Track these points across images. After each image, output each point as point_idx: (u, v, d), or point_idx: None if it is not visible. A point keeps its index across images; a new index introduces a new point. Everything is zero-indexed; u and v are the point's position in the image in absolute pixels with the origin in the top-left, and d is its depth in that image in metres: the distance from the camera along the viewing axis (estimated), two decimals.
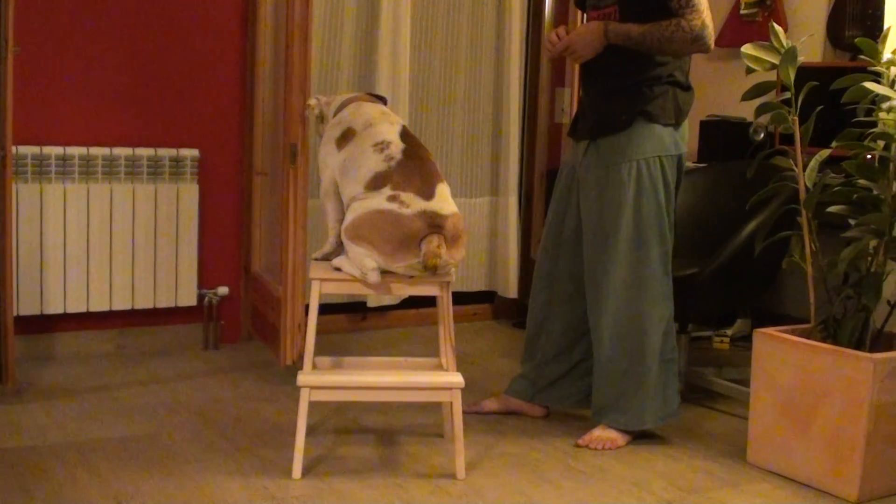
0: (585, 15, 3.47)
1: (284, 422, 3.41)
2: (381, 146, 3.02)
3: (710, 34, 3.15)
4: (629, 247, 3.27)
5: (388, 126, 3.08)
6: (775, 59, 3.11)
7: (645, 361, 3.29)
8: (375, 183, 2.97)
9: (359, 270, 2.96)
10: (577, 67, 4.91)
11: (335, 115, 3.23)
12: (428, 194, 2.94)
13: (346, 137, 3.11)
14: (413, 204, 2.91)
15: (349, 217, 2.99)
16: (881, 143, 3.05)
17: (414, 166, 2.98)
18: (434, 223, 2.91)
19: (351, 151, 3.07)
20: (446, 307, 3.05)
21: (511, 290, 5.18)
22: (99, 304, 4.09)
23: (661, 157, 3.26)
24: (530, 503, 2.86)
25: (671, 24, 3.11)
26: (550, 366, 3.54)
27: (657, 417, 3.34)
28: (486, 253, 5.20)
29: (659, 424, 3.36)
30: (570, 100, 5.10)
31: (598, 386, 3.38)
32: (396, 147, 3.01)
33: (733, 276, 3.71)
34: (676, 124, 3.29)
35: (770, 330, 3.20)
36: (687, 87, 3.32)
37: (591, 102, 3.40)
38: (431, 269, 2.89)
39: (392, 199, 2.93)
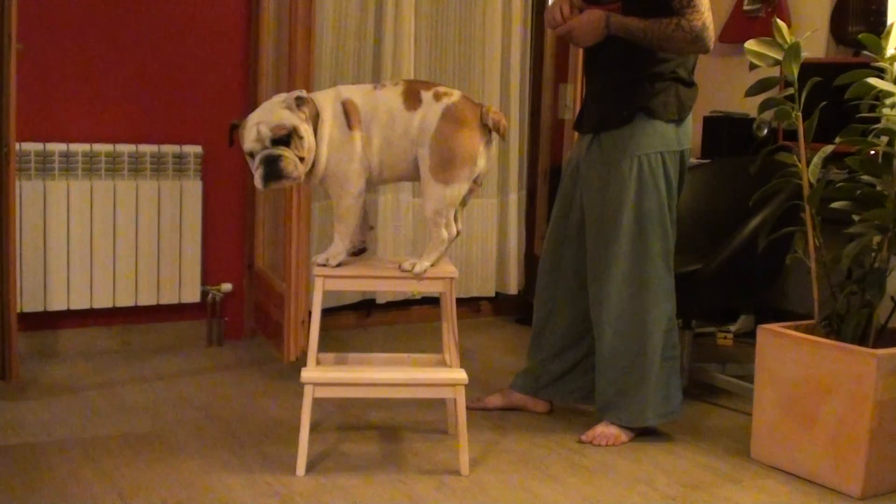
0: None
1: (288, 418, 3.41)
2: (382, 83, 3.09)
3: (711, 35, 3.15)
4: (631, 243, 3.27)
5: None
6: (779, 55, 3.11)
7: (647, 358, 3.29)
8: (411, 99, 3.00)
9: (445, 233, 3.01)
10: (580, 63, 4.90)
11: (317, 116, 3.00)
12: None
13: (350, 113, 2.99)
14: (452, 91, 3.02)
15: (430, 162, 2.96)
16: (885, 139, 3.05)
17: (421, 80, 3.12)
18: (476, 102, 3.03)
19: (367, 114, 2.99)
20: (450, 303, 3.05)
21: (512, 286, 5.18)
22: (102, 301, 4.10)
23: (663, 153, 3.26)
24: (534, 499, 2.86)
25: (672, 22, 3.11)
26: (555, 361, 3.54)
27: (659, 414, 3.34)
28: (490, 252, 5.17)
29: (661, 421, 3.36)
30: (573, 96, 5.10)
31: (601, 382, 3.38)
32: (397, 79, 3.04)
33: (737, 273, 3.71)
34: (679, 120, 3.29)
35: (774, 326, 3.20)
36: (690, 84, 3.31)
37: (593, 97, 3.41)
38: (504, 134, 3.02)
39: (437, 96, 2.99)
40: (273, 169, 2.86)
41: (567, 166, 3.54)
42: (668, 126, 3.27)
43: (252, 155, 2.89)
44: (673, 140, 3.28)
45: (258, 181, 2.89)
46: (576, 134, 3.59)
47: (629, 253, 3.27)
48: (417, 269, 2.98)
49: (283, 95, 2.97)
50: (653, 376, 3.30)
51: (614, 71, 3.29)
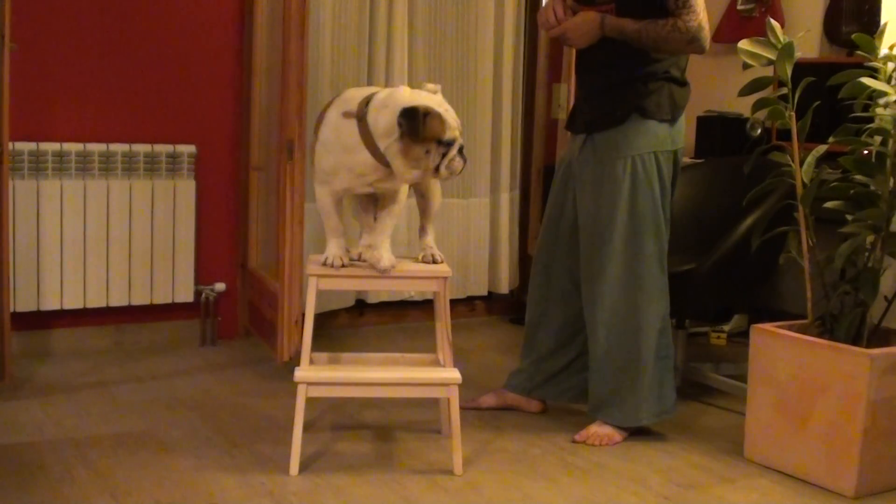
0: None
1: (281, 418, 3.41)
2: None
3: (706, 35, 3.15)
4: (624, 243, 3.27)
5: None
6: (772, 55, 3.12)
7: (640, 358, 3.29)
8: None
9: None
10: (573, 63, 4.90)
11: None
12: None
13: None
14: None
15: None
16: (878, 139, 3.05)
17: None
18: None
19: None
20: (443, 303, 3.05)
21: (503, 286, 5.18)
22: (96, 301, 4.09)
23: (657, 153, 3.26)
24: (528, 499, 2.86)
25: (667, 23, 3.11)
26: (548, 361, 3.54)
27: (653, 414, 3.34)
28: (482, 251, 5.16)
29: (654, 421, 3.36)
30: (566, 95, 5.09)
31: (594, 382, 3.38)
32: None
33: (730, 272, 3.71)
34: (672, 120, 3.29)
35: (767, 326, 3.20)
36: (683, 83, 3.31)
37: (586, 97, 3.40)
38: None
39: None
40: (464, 157, 2.92)
41: (559, 166, 3.54)
42: (662, 126, 3.27)
43: (450, 143, 2.87)
44: (666, 140, 3.28)
45: (456, 167, 2.89)
46: (569, 133, 3.59)
47: (623, 253, 3.27)
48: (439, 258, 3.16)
49: (430, 86, 2.98)
50: (646, 376, 3.30)
51: (607, 71, 3.29)
